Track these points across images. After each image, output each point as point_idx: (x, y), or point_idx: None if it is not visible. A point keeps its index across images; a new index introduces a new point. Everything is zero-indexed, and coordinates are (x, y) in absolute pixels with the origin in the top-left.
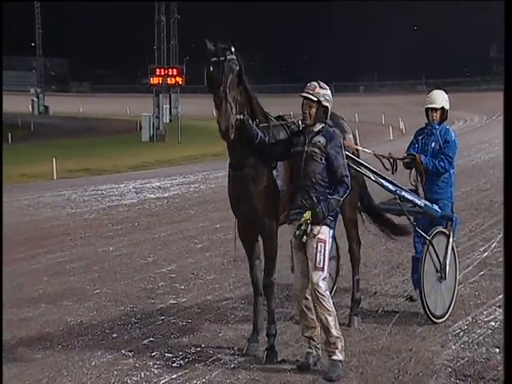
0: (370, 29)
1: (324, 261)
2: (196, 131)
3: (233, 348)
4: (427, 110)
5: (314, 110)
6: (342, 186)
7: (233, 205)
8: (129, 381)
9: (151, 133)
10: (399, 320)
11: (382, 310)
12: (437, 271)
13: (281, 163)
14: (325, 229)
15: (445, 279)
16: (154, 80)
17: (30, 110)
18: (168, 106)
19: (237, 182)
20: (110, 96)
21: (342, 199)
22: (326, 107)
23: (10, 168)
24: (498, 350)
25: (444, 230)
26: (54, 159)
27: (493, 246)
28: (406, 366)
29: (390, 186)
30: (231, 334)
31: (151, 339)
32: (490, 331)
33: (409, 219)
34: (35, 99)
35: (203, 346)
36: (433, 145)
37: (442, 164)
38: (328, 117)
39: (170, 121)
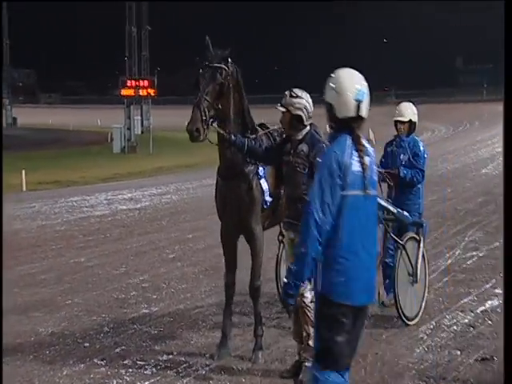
0: (342, 41)
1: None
2: (168, 143)
3: (204, 355)
4: (396, 122)
5: (286, 119)
6: None
7: (220, 211)
8: None
9: (122, 144)
10: (366, 326)
11: None
12: (409, 275)
13: (268, 172)
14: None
15: (416, 282)
16: (125, 91)
17: None
18: (139, 117)
19: (226, 191)
20: (80, 108)
21: None
22: (298, 115)
23: None
24: (459, 352)
25: (415, 236)
26: (22, 171)
27: (457, 253)
28: (373, 368)
29: None
30: (203, 341)
31: (123, 347)
32: (452, 335)
33: (383, 224)
34: (3, 110)
35: (175, 353)
36: (401, 157)
37: (418, 177)
38: (306, 123)
39: (142, 132)
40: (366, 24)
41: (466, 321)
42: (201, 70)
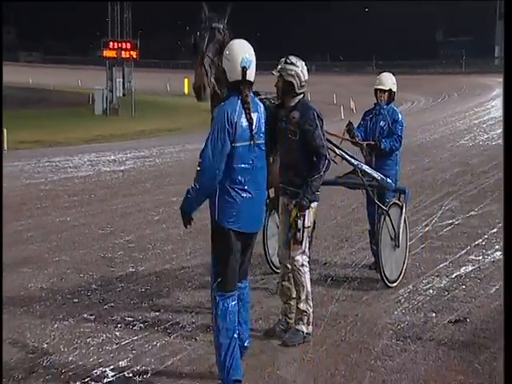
0: (322, 10)
1: (302, 235)
2: (150, 106)
3: (190, 313)
4: (376, 90)
5: (279, 84)
6: (320, 159)
7: None
8: (91, 342)
9: (104, 106)
10: (347, 288)
11: (331, 280)
12: (391, 239)
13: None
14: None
15: (398, 247)
16: (108, 53)
17: None
18: (121, 79)
19: None
20: (61, 68)
21: (322, 173)
22: (290, 81)
23: None
24: (434, 314)
25: (398, 202)
26: (4, 130)
27: (434, 221)
28: (352, 329)
29: (353, 161)
30: (189, 300)
31: (111, 304)
32: (428, 298)
33: (368, 192)
34: None
35: (162, 311)
36: (381, 124)
37: (396, 144)
38: (297, 91)
39: (124, 95)
40: None
41: (441, 285)
42: (198, 33)
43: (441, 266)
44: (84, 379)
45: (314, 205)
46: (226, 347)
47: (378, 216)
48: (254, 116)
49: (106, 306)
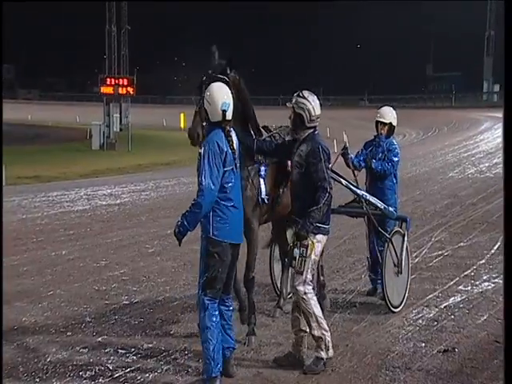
0: (316, 47)
1: (304, 265)
2: (146, 141)
3: (183, 344)
4: (377, 122)
5: (291, 117)
6: (321, 193)
7: None
8: (84, 375)
9: (101, 141)
10: (338, 319)
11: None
12: (394, 266)
13: (268, 173)
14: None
15: (401, 273)
16: (105, 89)
17: None
18: (118, 115)
19: None
20: (59, 104)
21: (322, 205)
22: (300, 114)
23: None
24: (423, 344)
25: (400, 230)
26: (3, 166)
27: (423, 252)
28: (343, 358)
29: (358, 191)
30: (182, 331)
31: (105, 337)
32: (417, 328)
33: (372, 219)
34: None
35: (155, 342)
36: (380, 155)
37: (387, 166)
38: (307, 124)
39: (121, 130)
40: (339, 29)
41: (431, 315)
42: (204, 77)
43: (430, 296)
44: None
45: (319, 237)
46: (214, 342)
47: (382, 243)
48: (235, 145)
49: (99, 339)
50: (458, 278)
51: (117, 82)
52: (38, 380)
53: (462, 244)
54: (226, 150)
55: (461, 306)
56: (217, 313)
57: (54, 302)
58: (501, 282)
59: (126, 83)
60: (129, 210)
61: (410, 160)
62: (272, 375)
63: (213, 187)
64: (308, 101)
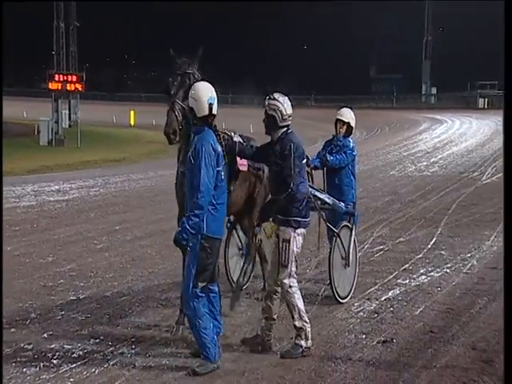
0: (265, 47)
1: (288, 258)
2: (96, 137)
3: (130, 339)
4: (336, 120)
5: (265, 119)
6: (284, 188)
7: (179, 197)
8: (28, 371)
9: (49, 137)
10: (284, 312)
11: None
12: (342, 259)
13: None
14: (289, 230)
15: (348, 266)
16: (53, 85)
17: None
18: (67, 111)
19: (181, 176)
20: (6, 99)
21: (281, 199)
22: (272, 115)
23: None
24: (364, 335)
25: (348, 224)
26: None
27: (365, 247)
28: (283, 349)
29: None
30: (129, 326)
31: (50, 333)
32: (359, 320)
33: (320, 214)
34: None
35: (102, 338)
36: (334, 150)
37: (341, 156)
38: (279, 124)
39: (70, 126)
40: (286, 30)
41: (371, 308)
42: (170, 79)
43: (371, 289)
44: None
45: (299, 231)
46: (211, 328)
47: (330, 237)
48: (223, 143)
49: (44, 335)
50: (397, 272)
51: (65, 78)
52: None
53: (401, 239)
54: (218, 150)
55: (399, 298)
56: (206, 302)
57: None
58: (436, 275)
59: (74, 79)
60: (77, 206)
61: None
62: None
63: (210, 188)
64: (279, 102)
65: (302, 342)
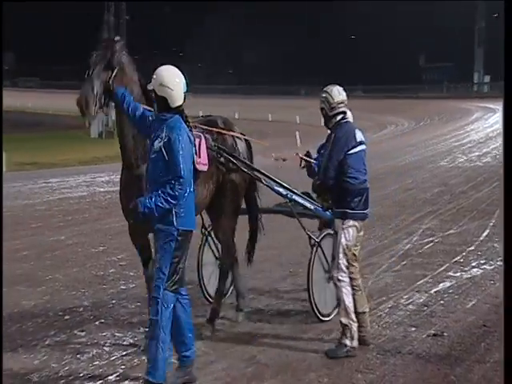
0: (314, 39)
1: (337, 251)
2: None
3: None
4: None
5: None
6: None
7: (123, 203)
8: (81, 358)
9: (100, 129)
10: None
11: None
12: (325, 272)
13: None
14: (337, 221)
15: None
16: None
17: None
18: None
19: (130, 180)
20: (59, 92)
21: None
22: (322, 108)
23: None
24: (413, 328)
25: (332, 232)
26: (3, 153)
27: (414, 239)
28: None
29: (281, 190)
30: None
31: (102, 321)
32: (408, 313)
33: (298, 220)
34: None
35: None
36: None
37: None
38: (329, 113)
39: None
40: (336, 22)
41: (421, 301)
42: (94, 53)
43: (420, 282)
44: None
45: (349, 223)
46: (168, 340)
47: (311, 247)
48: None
49: (96, 323)
50: (447, 264)
51: None
52: (36, 362)
53: (451, 231)
54: (191, 139)
55: (450, 291)
56: (172, 313)
57: (52, 286)
58: (489, 267)
59: None
60: None
61: (401, 149)
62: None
63: (188, 177)
64: (326, 92)
65: (347, 342)
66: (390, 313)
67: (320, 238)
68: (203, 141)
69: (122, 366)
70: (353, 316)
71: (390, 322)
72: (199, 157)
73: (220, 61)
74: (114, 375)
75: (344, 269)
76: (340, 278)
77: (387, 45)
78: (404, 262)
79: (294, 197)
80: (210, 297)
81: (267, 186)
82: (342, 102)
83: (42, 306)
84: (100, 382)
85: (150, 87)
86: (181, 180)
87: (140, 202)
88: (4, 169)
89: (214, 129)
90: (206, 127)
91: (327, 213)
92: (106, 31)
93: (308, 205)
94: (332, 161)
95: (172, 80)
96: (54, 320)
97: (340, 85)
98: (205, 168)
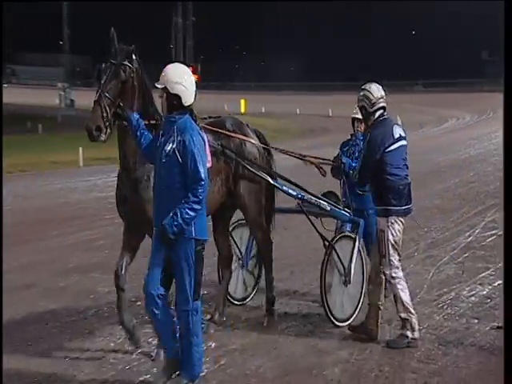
0: (370, 31)
1: (385, 248)
2: None
3: (245, 316)
4: (353, 119)
5: (360, 112)
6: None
7: (119, 206)
8: (153, 341)
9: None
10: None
11: None
12: (340, 275)
13: None
14: (382, 219)
15: (349, 283)
16: None
17: (58, 102)
18: None
19: (127, 183)
20: None
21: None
22: (363, 106)
23: (41, 155)
24: (476, 320)
25: (350, 234)
26: (80, 148)
27: (477, 231)
28: (396, 333)
29: (291, 191)
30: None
31: (172, 307)
32: (470, 305)
33: (310, 221)
34: (62, 93)
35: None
36: (357, 155)
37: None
38: (369, 110)
39: None
40: (393, 16)
41: (484, 293)
42: (103, 65)
43: (483, 274)
44: (147, 375)
45: (393, 219)
46: (201, 343)
47: (326, 249)
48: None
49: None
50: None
51: None
52: (112, 344)
53: None
54: (205, 139)
55: None
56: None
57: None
58: None
59: (191, 71)
60: None
61: (463, 142)
62: (327, 351)
63: (207, 181)
64: (365, 90)
65: (408, 333)
66: (452, 304)
67: (335, 239)
68: (204, 137)
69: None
70: (411, 309)
71: (451, 313)
72: None
73: (282, 57)
74: None
75: (397, 264)
76: (394, 275)
77: (450, 40)
78: (466, 255)
79: (306, 197)
80: (231, 297)
81: (275, 185)
82: (381, 98)
83: (116, 292)
84: None
85: (159, 86)
86: (202, 183)
87: (167, 224)
88: (81, 164)
89: (221, 131)
90: (211, 128)
91: (345, 213)
92: (174, 32)
93: (322, 205)
94: (367, 161)
95: (186, 77)
96: (128, 306)
97: (399, 79)
98: (208, 164)
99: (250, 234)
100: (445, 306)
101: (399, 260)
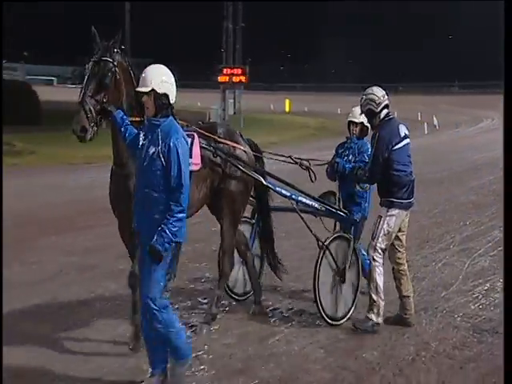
0: (409, 36)
1: (377, 234)
2: (256, 122)
3: (288, 300)
4: (349, 123)
5: (365, 115)
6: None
7: (113, 202)
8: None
9: (218, 122)
10: (425, 285)
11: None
12: (335, 273)
13: None
14: (382, 208)
15: (344, 282)
16: (222, 78)
17: None
18: (232, 100)
19: (120, 179)
20: (183, 91)
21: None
22: (369, 108)
23: (75, 151)
24: None
25: (344, 235)
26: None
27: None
28: (432, 320)
29: (283, 191)
30: (285, 291)
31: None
32: None
33: (304, 222)
34: None
35: (263, 298)
36: (350, 157)
37: (359, 170)
38: (377, 110)
39: (234, 113)
40: (431, 19)
41: None
42: (86, 65)
43: None
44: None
45: (393, 211)
46: (179, 327)
47: (319, 250)
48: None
49: (218, 292)
50: None
51: (232, 71)
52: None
53: None
54: (188, 142)
55: None
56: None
57: (180, 259)
58: None
59: (239, 73)
60: None
61: (498, 142)
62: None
63: (188, 184)
64: (368, 94)
65: (373, 316)
66: (487, 295)
67: (329, 240)
68: (196, 140)
69: (234, 332)
70: (382, 295)
71: (486, 303)
72: (190, 157)
73: (327, 60)
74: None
75: (380, 251)
76: (375, 257)
77: (488, 41)
78: (500, 248)
79: (300, 198)
80: (232, 292)
81: (268, 186)
82: (384, 96)
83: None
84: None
85: (144, 89)
86: (184, 189)
87: (156, 243)
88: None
89: (212, 135)
90: (203, 132)
91: (340, 214)
92: (225, 37)
93: (317, 206)
94: (377, 159)
95: (169, 75)
96: (181, 288)
97: (435, 81)
98: (196, 167)
99: (252, 232)
100: (479, 297)
101: (386, 250)
